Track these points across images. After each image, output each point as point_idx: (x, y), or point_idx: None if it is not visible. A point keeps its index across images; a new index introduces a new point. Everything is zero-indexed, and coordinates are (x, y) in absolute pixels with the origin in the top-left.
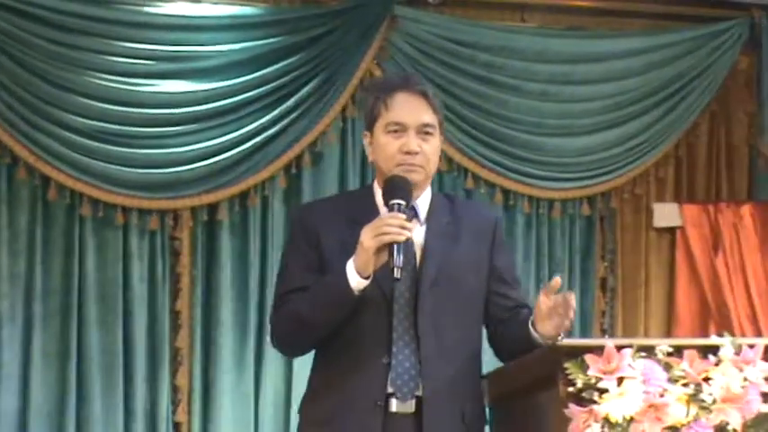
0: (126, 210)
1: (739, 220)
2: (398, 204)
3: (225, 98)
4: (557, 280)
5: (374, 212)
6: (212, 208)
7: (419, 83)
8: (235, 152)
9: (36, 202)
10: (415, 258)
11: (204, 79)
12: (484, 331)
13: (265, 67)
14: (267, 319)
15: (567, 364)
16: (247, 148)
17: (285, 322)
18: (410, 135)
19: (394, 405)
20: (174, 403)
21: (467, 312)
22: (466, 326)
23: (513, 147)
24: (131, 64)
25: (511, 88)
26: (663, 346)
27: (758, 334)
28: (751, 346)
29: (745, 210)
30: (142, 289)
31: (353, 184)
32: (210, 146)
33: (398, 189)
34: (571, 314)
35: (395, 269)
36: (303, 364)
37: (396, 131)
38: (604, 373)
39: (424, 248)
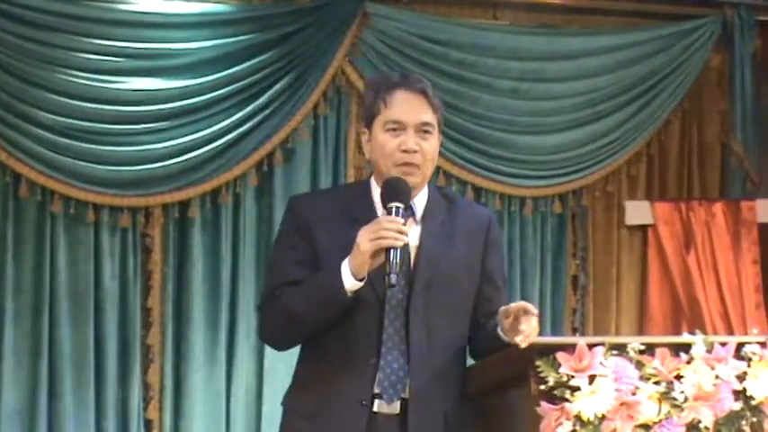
0: (97, 207)
1: (711, 218)
2: (397, 207)
3: (196, 95)
4: (511, 308)
5: (372, 211)
6: (184, 205)
7: (419, 81)
8: (206, 149)
9: (7, 199)
10: (410, 259)
11: (176, 76)
12: None
13: (237, 65)
14: (238, 315)
15: (538, 362)
16: (219, 146)
17: (276, 316)
18: (409, 134)
19: (378, 405)
20: (146, 400)
21: (458, 313)
22: (456, 326)
23: (484, 144)
24: (103, 61)
25: (483, 86)
26: (634, 343)
27: (730, 332)
28: (723, 344)
29: (717, 207)
30: (113, 286)
31: (325, 181)
32: (182, 143)
33: (398, 192)
34: (533, 324)
35: (391, 275)
36: (274, 361)
37: (394, 130)
38: (576, 371)
39: (419, 249)
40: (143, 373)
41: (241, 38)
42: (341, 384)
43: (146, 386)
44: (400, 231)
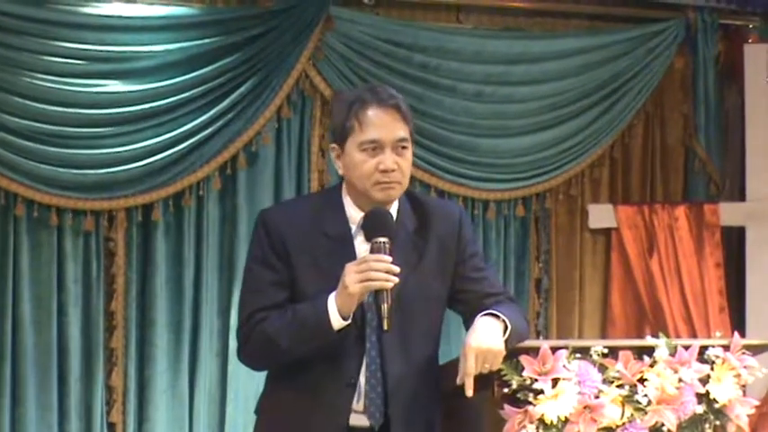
0: (60, 210)
1: (674, 222)
2: (384, 243)
3: (160, 98)
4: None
5: (345, 225)
6: (147, 208)
7: (391, 96)
8: (170, 153)
9: None
10: None
11: (140, 79)
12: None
13: (201, 68)
14: (202, 319)
15: (501, 366)
16: (182, 149)
17: (258, 345)
18: (386, 152)
19: (359, 423)
20: (109, 403)
21: (431, 324)
22: (430, 337)
23: (447, 147)
24: (67, 64)
25: (446, 89)
26: (598, 347)
27: (693, 335)
28: (686, 348)
29: (680, 211)
30: (77, 290)
31: (289, 185)
32: (145, 146)
33: (382, 225)
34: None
35: (384, 321)
36: (237, 365)
37: (373, 149)
38: (539, 375)
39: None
40: (106, 377)
41: (205, 41)
42: (319, 408)
43: (109, 389)
44: (389, 271)
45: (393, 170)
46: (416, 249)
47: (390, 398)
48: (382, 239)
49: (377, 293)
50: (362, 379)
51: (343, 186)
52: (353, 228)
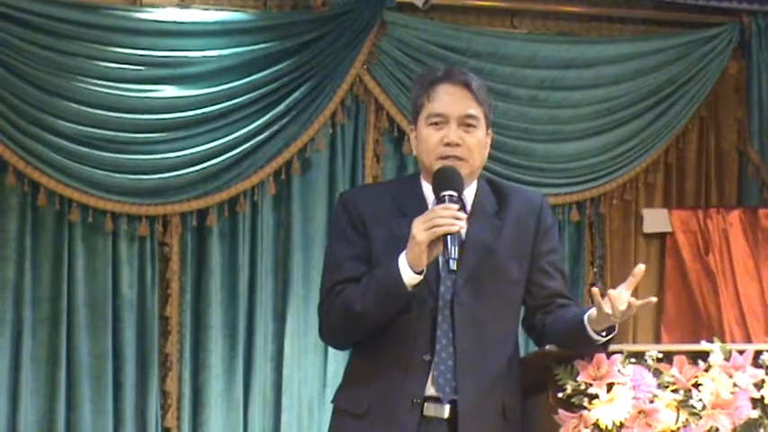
0: (115, 216)
1: (729, 226)
2: (450, 196)
3: (214, 104)
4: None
5: (423, 204)
6: (201, 214)
7: (462, 73)
8: (224, 158)
9: (25, 208)
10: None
11: (194, 85)
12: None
13: (255, 73)
14: (256, 324)
15: (556, 370)
16: (237, 154)
17: (336, 316)
18: (452, 127)
19: (428, 409)
20: (164, 409)
21: (506, 304)
22: (506, 318)
23: (501, 152)
24: (121, 69)
25: (501, 94)
26: (652, 351)
27: (748, 339)
28: (741, 352)
29: (735, 215)
30: (132, 295)
31: (342, 189)
32: (200, 151)
33: (449, 180)
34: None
35: (450, 261)
36: (292, 370)
37: (437, 123)
38: (594, 379)
39: (466, 242)
40: (161, 382)
41: (259, 46)
42: (393, 381)
43: (164, 395)
44: (455, 217)
45: (457, 144)
46: (494, 230)
47: (459, 373)
48: (448, 193)
49: (444, 239)
50: (434, 353)
51: (421, 172)
52: (430, 206)
